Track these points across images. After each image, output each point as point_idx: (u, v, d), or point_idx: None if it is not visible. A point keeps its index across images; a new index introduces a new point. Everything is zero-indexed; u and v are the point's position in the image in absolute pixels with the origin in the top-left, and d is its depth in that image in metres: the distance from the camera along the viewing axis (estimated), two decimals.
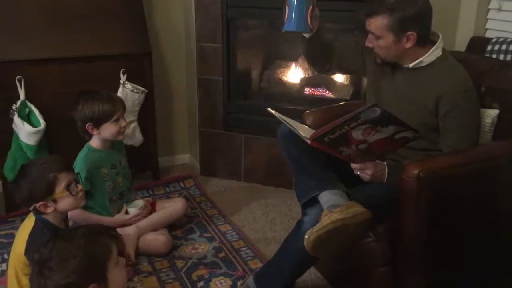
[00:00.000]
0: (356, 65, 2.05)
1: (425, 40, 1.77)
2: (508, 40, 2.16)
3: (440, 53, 1.78)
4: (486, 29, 2.43)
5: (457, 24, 2.49)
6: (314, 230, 1.56)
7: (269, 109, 1.78)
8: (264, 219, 2.54)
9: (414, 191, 1.52)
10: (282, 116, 1.74)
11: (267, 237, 2.37)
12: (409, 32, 1.72)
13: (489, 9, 2.41)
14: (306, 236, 1.58)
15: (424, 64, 1.78)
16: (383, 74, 1.91)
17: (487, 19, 2.43)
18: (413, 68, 1.80)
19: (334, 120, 1.54)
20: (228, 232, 2.41)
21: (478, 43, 2.27)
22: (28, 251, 1.70)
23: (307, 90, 2.89)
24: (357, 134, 1.55)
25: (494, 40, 2.22)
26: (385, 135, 1.56)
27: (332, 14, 2.42)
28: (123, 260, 1.36)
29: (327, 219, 1.57)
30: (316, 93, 2.85)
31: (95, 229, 1.38)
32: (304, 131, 1.68)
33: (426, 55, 1.77)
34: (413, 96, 1.79)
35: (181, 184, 2.88)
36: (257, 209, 2.64)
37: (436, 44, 1.77)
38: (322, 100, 2.78)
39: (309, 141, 1.60)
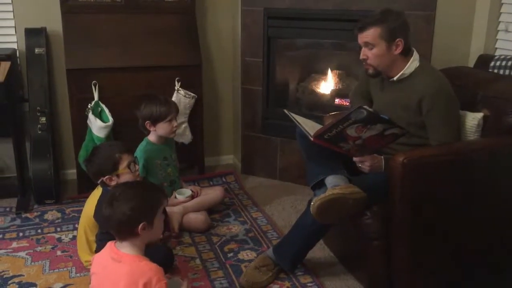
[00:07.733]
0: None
1: (409, 48, 2.08)
2: (508, 57, 2.44)
3: (418, 64, 2.09)
4: (496, 48, 2.70)
5: (470, 43, 2.77)
6: (319, 198, 1.91)
7: (285, 110, 2.16)
8: (292, 210, 2.90)
9: (399, 175, 1.84)
10: (296, 116, 2.10)
11: (292, 224, 2.69)
12: (398, 39, 2.04)
13: (498, 31, 2.69)
14: (312, 203, 1.93)
15: (405, 75, 2.10)
16: (377, 88, 2.25)
17: (497, 39, 2.70)
18: (398, 80, 2.12)
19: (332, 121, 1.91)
20: (259, 218, 2.79)
21: (484, 60, 2.56)
22: (96, 214, 2.16)
23: (337, 100, 3.24)
24: (351, 132, 1.89)
25: (497, 57, 2.50)
26: (376, 131, 1.91)
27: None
28: (163, 215, 1.77)
29: (329, 192, 1.92)
30: (345, 103, 3.19)
31: (153, 185, 1.83)
32: (313, 129, 2.03)
33: (406, 67, 2.08)
34: (400, 101, 2.11)
35: (223, 179, 3.29)
36: (286, 202, 3.00)
37: (412, 57, 2.09)
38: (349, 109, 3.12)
39: (312, 139, 1.96)
